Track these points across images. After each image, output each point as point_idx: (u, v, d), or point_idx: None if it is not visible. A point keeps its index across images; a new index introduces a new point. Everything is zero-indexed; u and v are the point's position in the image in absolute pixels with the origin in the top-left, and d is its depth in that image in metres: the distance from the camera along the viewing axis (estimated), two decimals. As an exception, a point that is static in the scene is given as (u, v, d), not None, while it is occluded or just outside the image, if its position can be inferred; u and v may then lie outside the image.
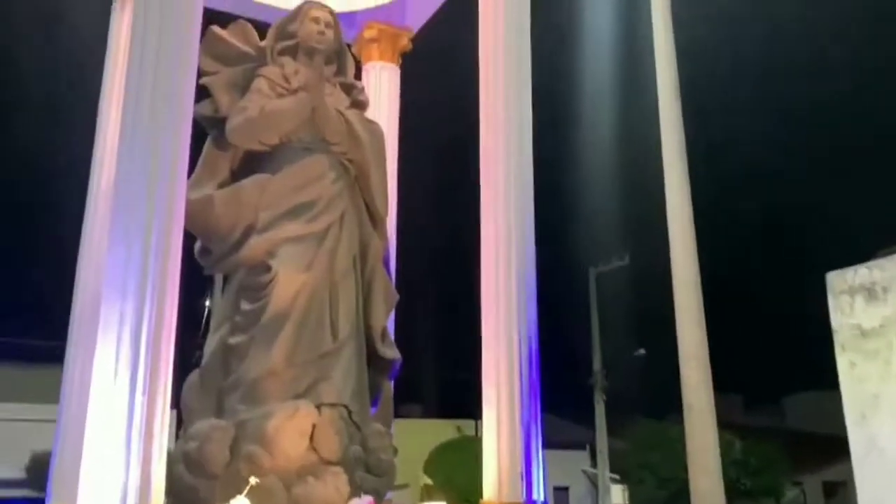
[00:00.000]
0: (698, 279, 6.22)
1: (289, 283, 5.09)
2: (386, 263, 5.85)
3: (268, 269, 5.13)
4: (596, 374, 18.23)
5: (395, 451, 5.31)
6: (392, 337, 5.82)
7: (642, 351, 18.90)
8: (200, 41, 5.30)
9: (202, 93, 5.47)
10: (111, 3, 6.59)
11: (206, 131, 5.57)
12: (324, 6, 5.94)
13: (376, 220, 5.76)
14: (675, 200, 6.51)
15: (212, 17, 5.80)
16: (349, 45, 6.86)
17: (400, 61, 7.61)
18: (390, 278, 5.85)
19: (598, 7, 13.05)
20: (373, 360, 5.48)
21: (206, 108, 5.51)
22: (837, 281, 2.52)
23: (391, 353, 5.59)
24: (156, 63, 4.79)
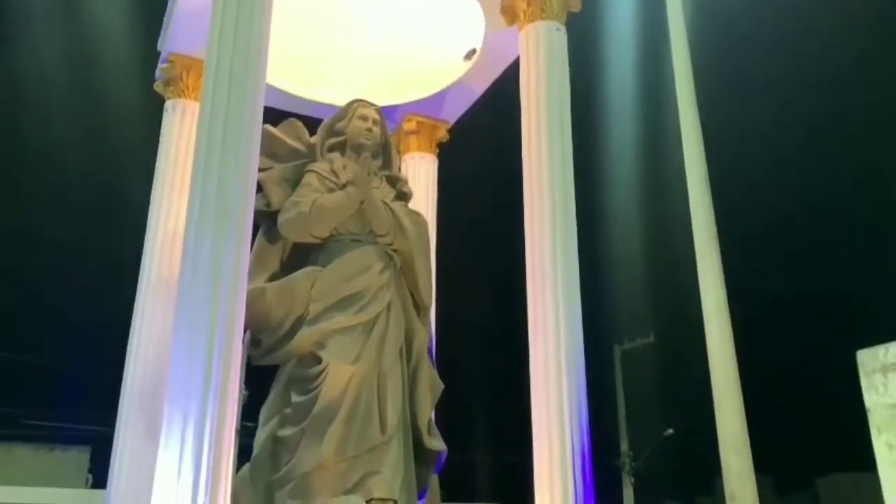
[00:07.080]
0: (736, 369, 6.12)
1: (339, 374, 5.11)
2: (430, 353, 5.88)
3: (318, 360, 5.17)
4: (624, 456, 17.83)
5: None
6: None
7: (671, 431, 18.51)
8: None
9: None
10: (163, 105, 6.97)
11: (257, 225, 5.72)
12: (370, 104, 6.19)
13: (420, 310, 5.82)
14: (710, 284, 6.42)
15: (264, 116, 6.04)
16: (389, 138, 7.09)
17: (437, 151, 7.86)
18: (434, 368, 5.86)
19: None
20: (419, 453, 5.44)
21: (258, 202, 5.65)
22: (868, 359, 2.39)
23: (438, 444, 5.55)
24: (221, 162, 4.96)
